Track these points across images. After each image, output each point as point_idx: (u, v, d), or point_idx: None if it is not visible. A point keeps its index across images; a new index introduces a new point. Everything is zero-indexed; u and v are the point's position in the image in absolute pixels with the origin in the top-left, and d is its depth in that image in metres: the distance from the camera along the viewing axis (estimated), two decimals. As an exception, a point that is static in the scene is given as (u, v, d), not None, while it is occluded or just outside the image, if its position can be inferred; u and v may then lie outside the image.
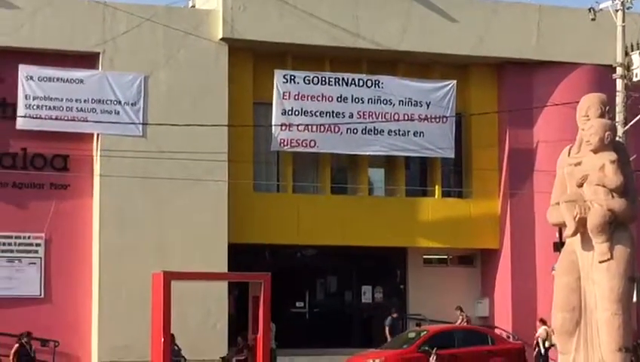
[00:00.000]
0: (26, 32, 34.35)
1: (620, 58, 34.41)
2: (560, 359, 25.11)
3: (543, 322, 33.35)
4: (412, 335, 32.42)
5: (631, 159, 26.77)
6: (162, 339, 29.96)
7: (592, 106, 25.60)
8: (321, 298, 38.99)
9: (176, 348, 31.20)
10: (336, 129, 36.54)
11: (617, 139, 28.07)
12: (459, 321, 36.46)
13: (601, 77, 35.44)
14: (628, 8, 34.36)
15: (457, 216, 38.51)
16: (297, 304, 38.08)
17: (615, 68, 34.57)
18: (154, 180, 34.29)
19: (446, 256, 39.84)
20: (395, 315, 35.93)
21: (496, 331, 36.22)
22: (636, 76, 34.21)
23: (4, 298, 34.16)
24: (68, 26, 34.76)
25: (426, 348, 29.86)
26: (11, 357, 30.72)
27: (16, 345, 30.78)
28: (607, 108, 26.14)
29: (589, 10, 34.31)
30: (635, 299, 26.19)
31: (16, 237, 34.62)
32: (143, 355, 31.77)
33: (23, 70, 33.94)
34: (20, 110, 33.88)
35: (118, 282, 33.92)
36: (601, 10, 34.48)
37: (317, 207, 37.27)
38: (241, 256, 35.32)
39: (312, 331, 37.66)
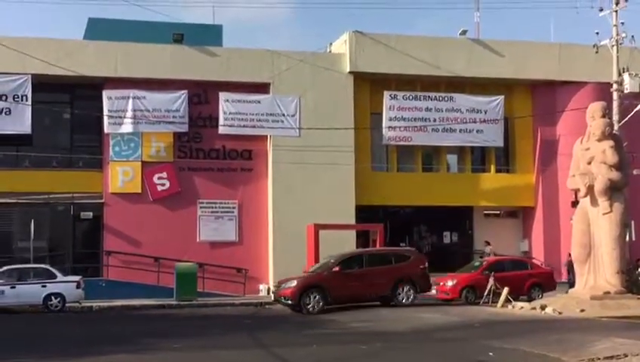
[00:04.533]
0: (223, 71, 34.76)
1: (615, 77, 33.55)
2: (577, 280, 24.85)
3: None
4: (477, 263, 32.05)
5: (624, 145, 26.27)
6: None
7: (596, 110, 25.22)
8: (416, 239, 38.53)
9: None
10: (425, 129, 36.27)
11: (614, 132, 27.50)
12: (488, 249, 36.19)
13: (603, 90, 34.59)
14: (620, 44, 33.47)
15: (506, 185, 38.00)
16: (401, 244, 37.35)
17: (612, 84, 33.74)
18: (306, 165, 34.34)
19: (499, 212, 39.17)
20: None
21: (533, 261, 35.68)
22: (626, 89, 33.34)
23: (214, 242, 34.71)
24: (249, 65, 35.00)
25: (487, 272, 29.63)
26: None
27: None
28: (607, 111, 25.77)
29: (594, 45, 33.49)
30: (627, 238, 25.73)
31: (219, 203, 34.99)
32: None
33: (222, 95, 34.17)
34: (221, 121, 34.11)
35: (284, 231, 34.15)
36: (602, 45, 33.64)
37: (413, 180, 36.99)
38: (363, 213, 35.20)
39: (410, 262, 37.36)
